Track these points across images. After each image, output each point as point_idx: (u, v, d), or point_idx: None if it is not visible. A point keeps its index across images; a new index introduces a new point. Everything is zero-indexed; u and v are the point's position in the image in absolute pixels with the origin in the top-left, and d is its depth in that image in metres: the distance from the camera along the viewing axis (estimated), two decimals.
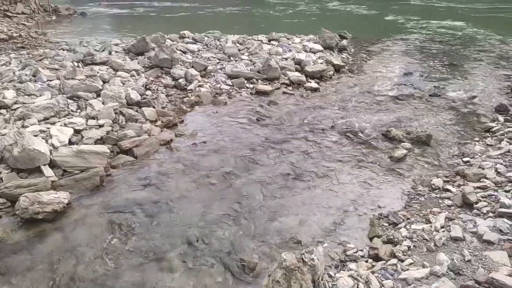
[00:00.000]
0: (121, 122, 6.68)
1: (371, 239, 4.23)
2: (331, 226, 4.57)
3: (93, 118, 6.53)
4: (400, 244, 3.77)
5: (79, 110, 6.76)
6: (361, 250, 4.04)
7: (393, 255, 3.67)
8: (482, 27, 16.55)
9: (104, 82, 7.90)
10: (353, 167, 5.86)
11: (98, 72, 8.20)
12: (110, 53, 9.68)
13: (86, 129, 6.21)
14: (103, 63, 8.81)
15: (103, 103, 6.98)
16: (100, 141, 6.06)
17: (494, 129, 6.66)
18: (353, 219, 4.70)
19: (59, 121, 6.26)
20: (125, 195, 5.12)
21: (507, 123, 6.83)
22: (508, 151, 5.54)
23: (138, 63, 9.22)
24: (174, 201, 5.01)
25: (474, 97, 8.48)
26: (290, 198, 5.10)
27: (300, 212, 4.84)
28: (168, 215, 4.75)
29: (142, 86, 8.14)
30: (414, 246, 3.72)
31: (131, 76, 8.50)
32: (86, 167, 5.39)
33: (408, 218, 4.38)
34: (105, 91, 7.27)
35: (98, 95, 7.30)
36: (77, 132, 6.08)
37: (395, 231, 4.10)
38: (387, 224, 4.40)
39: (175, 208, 4.88)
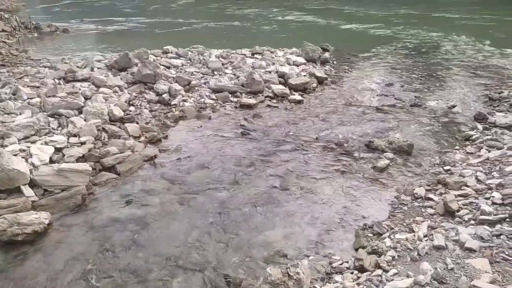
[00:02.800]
0: (104, 139, 6.60)
1: (356, 250, 4.24)
2: (317, 238, 4.57)
3: (74, 135, 6.45)
4: (385, 255, 3.79)
5: (60, 128, 6.66)
6: (347, 262, 4.05)
7: (378, 265, 3.69)
8: (450, 35, 17.02)
9: (86, 99, 7.83)
10: (337, 178, 5.90)
11: (80, 89, 8.13)
12: (92, 69, 9.61)
13: (68, 147, 6.12)
14: (85, 80, 8.73)
15: (85, 120, 6.91)
16: (82, 158, 5.98)
17: (474, 137, 6.81)
18: (338, 230, 4.72)
19: (39, 140, 6.16)
20: (108, 214, 5.04)
21: (486, 131, 7.00)
22: (487, 159, 5.66)
23: (121, 79, 9.17)
24: (158, 218, 4.96)
25: (453, 106, 8.67)
26: (275, 211, 5.10)
27: (286, 225, 4.83)
28: (152, 233, 4.69)
29: (125, 102, 8.09)
30: (398, 256, 3.74)
31: (114, 92, 8.44)
32: (67, 186, 5.29)
33: (392, 228, 4.41)
34: (87, 108, 7.20)
35: (80, 112, 7.22)
36: (58, 150, 5.99)
37: (379, 241, 4.12)
38: (371, 235, 4.42)
39: (159, 225, 4.82)
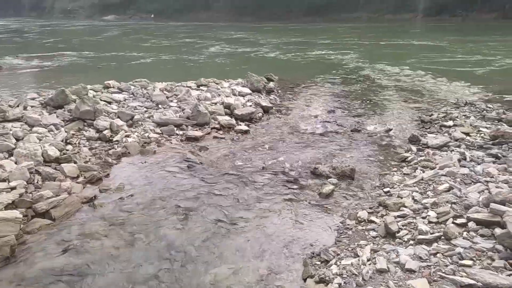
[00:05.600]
0: (37, 182, 6.16)
1: (305, 280, 4.21)
2: (266, 271, 4.49)
3: (4, 180, 5.95)
4: (332, 283, 3.81)
5: None
6: None
7: None
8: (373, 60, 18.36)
9: (17, 140, 7.31)
10: (285, 207, 5.92)
11: (10, 130, 7.59)
12: (25, 108, 9.06)
13: None
14: (17, 120, 8.18)
15: (16, 163, 6.43)
16: (12, 205, 5.51)
17: (409, 158, 7.19)
18: (287, 260, 4.68)
19: None
20: (41, 264, 4.62)
21: (420, 152, 7.44)
22: (422, 179, 5.98)
23: (57, 116, 8.72)
24: (98, 264, 4.63)
25: (389, 130, 9.19)
26: (223, 247, 4.97)
27: (234, 260, 4.72)
28: (91, 282, 4.35)
29: (62, 141, 7.66)
30: (344, 282, 3.77)
31: (49, 131, 7.98)
32: None
33: (338, 254, 4.46)
34: (19, 149, 6.73)
35: (11, 155, 6.72)
36: None
37: (326, 269, 4.14)
38: (319, 263, 4.43)
39: (99, 272, 4.50)
